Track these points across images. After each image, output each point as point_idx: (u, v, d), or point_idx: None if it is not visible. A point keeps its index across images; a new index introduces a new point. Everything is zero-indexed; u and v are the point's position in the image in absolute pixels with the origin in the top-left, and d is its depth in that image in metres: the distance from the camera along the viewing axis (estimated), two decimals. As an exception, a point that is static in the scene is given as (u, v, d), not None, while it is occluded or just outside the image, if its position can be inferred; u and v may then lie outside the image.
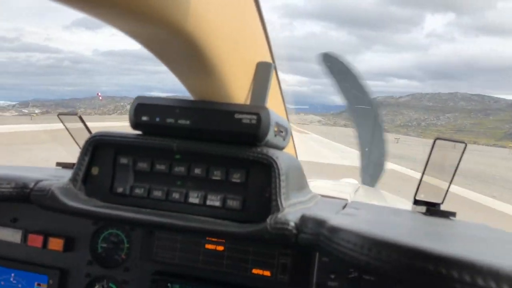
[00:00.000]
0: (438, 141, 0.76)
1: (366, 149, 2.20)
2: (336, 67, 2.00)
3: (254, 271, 0.74)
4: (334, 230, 0.55)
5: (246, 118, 0.62)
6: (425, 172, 0.79)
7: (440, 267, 0.43)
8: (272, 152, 0.64)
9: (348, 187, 1.90)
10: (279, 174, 0.62)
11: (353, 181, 2.20)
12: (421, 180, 0.80)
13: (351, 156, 15.35)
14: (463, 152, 0.76)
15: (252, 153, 0.64)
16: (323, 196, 0.93)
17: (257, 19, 0.71)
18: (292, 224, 0.60)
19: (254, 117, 0.62)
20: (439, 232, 0.66)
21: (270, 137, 0.65)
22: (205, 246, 0.76)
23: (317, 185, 1.56)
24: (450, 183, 0.79)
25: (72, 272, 0.86)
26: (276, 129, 0.67)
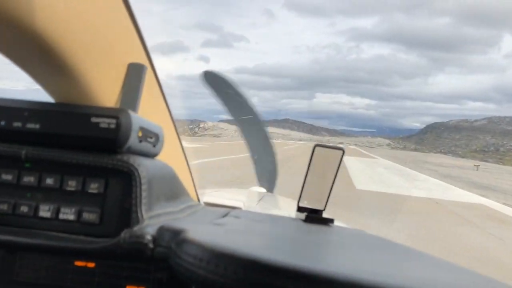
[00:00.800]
0: (317, 148, 0.78)
1: (256, 157, 2.23)
2: (217, 83, 2.02)
3: (128, 287, 0.66)
4: (181, 242, 0.52)
5: (104, 122, 0.58)
6: (308, 178, 0.80)
7: (276, 280, 0.41)
8: (134, 160, 0.60)
9: (246, 196, 1.85)
10: (140, 183, 0.59)
11: (261, 189, 2.16)
12: (303, 186, 0.79)
13: (429, 186, 13.59)
14: (341, 159, 0.78)
15: (111, 160, 0.59)
16: (214, 205, 1.02)
17: (127, 19, 0.67)
18: (148, 237, 0.56)
19: (113, 121, 0.58)
20: (306, 240, 0.65)
21: (133, 143, 0.61)
22: (74, 263, 0.66)
23: (214, 195, 1.51)
24: (331, 189, 0.80)
25: None
26: (140, 134, 0.62)
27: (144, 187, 0.60)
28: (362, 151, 47.65)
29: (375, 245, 0.67)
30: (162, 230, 0.58)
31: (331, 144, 0.80)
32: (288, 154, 24.06)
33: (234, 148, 26.81)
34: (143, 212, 0.59)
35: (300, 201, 0.81)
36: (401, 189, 11.66)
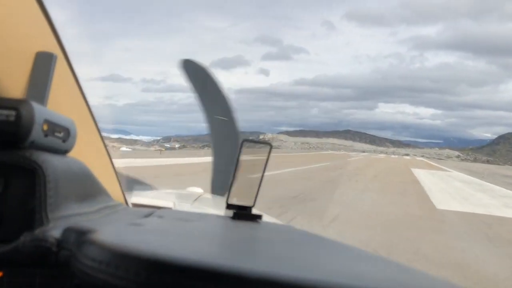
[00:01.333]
0: (245, 143, 0.77)
1: (219, 159, 2.09)
2: (196, 74, 1.93)
3: None
4: (81, 244, 0.49)
5: (2, 115, 0.54)
6: (236, 175, 0.77)
7: (182, 280, 0.39)
8: (38, 156, 0.56)
9: (180, 196, 1.83)
10: (45, 182, 0.55)
11: (198, 190, 2.14)
12: (232, 183, 0.77)
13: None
14: (269, 154, 0.77)
15: (12, 157, 0.56)
16: (142, 206, 0.98)
17: (35, 6, 0.64)
18: (51, 240, 0.52)
19: (12, 112, 0.54)
20: (229, 237, 0.66)
21: (37, 137, 0.57)
22: None
23: (144, 195, 1.44)
24: (260, 185, 0.79)
25: None
26: (46, 127, 0.58)
27: (49, 185, 0.56)
28: (432, 163, 44.76)
29: (301, 240, 0.67)
30: (68, 231, 0.53)
31: (259, 139, 0.82)
32: (353, 167, 22.78)
33: (294, 160, 25.97)
34: (48, 213, 0.55)
35: (229, 198, 0.78)
36: (491, 208, 10.04)
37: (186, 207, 1.41)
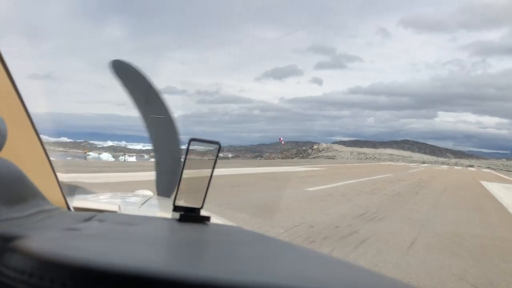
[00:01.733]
0: (192, 142, 0.73)
1: (160, 159, 2.04)
2: (127, 75, 1.84)
3: None
4: (1, 252, 0.44)
5: None
6: (184, 175, 0.75)
7: (101, 284, 0.36)
8: None
9: (126, 199, 1.74)
10: None
11: (148, 193, 2.05)
12: (178, 185, 0.75)
13: None
14: (217, 153, 0.75)
15: None
16: (85, 210, 0.92)
17: None
18: None
19: None
20: (172, 240, 0.62)
21: None
22: None
23: (88, 198, 1.44)
24: (208, 186, 0.77)
25: None
26: None
27: None
28: (501, 175, 41.31)
29: (249, 241, 0.66)
30: None
31: (206, 139, 0.76)
32: (417, 179, 21.31)
33: (353, 171, 24.83)
34: None
35: (176, 200, 0.76)
36: None
37: (133, 210, 1.33)
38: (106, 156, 48.52)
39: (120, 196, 1.97)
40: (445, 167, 60.36)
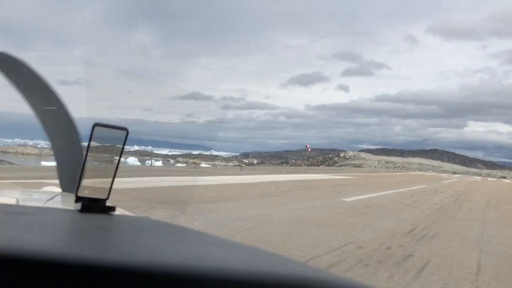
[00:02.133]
0: (97, 128, 0.67)
1: (61, 152, 1.84)
2: (10, 67, 1.65)
3: None
4: None
5: None
6: (87, 164, 0.70)
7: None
8: None
9: (28, 193, 1.71)
10: None
11: (54, 189, 1.96)
12: (81, 174, 0.70)
13: None
14: (125, 140, 0.70)
15: None
16: None
17: None
18: None
19: None
20: (68, 228, 0.62)
21: None
22: None
23: None
24: (115, 175, 0.72)
25: None
26: None
27: None
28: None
29: (154, 229, 0.64)
30: None
31: (112, 124, 0.71)
32: (454, 191, 20.21)
33: (384, 181, 23.86)
34: None
35: (79, 190, 0.72)
36: None
37: (36, 205, 1.19)
38: (132, 161, 48.93)
39: (21, 191, 1.83)
40: (478, 178, 58.09)
